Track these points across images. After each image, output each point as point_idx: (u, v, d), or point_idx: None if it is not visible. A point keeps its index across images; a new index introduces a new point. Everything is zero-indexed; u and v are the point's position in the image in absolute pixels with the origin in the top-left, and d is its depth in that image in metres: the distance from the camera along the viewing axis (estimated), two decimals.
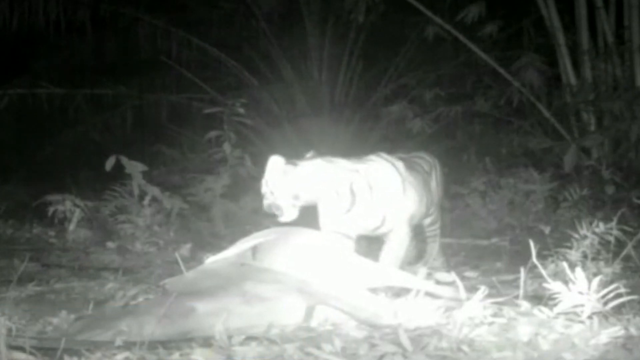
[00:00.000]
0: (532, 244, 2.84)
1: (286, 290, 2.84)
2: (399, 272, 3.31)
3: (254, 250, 3.16)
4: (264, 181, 3.42)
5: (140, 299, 3.16)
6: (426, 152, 4.09)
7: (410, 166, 3.73)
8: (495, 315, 2.67)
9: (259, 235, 3.31)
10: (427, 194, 3.81)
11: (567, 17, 6.10)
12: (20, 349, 2.28)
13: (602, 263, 3.45)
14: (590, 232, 3.48)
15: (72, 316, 2.90)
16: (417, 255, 4.02)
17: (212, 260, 3.22)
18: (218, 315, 2.54)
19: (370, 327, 2.64)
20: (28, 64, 7.48)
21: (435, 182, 3.96)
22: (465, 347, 2.31)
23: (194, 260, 3.95)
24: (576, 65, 6.05)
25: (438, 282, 3.22)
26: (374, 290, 3.09)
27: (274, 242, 3.22)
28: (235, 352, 2.33)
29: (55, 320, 2.87)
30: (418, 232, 3.96)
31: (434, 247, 4.05)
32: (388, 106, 6.67)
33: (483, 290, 2.76)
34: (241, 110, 5.30)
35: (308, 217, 3.47)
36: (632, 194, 5.06)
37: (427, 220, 3.96)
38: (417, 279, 3.19)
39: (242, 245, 3.23)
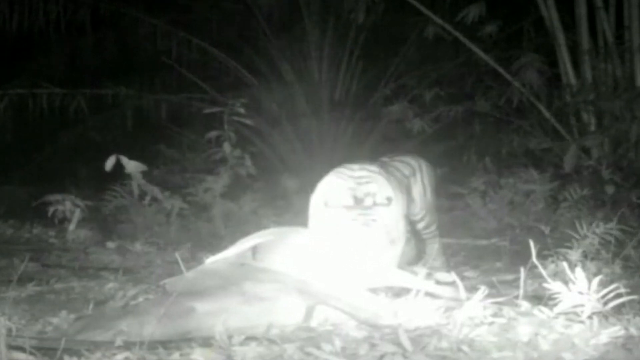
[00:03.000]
0: (532, 244, 2.84)
1: (286, 290, 2.84)
2: (399, 272, 3.31)
3: (254, 250, 3.17)
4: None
5: (140, 299, 3.16)
6: (411, 156, 3.97)
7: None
8: (495, 315, 2.67)
9: (259, 236, 3.31)
10: (407, 199, 3.77)
11: (567, 17, 6.10)
12: (20, 349, 2.28)
13: (602, 263, 3.46)
14: (590, 232, 3.48)
15: (72, 316, 2.90)
16: (416, 256, 4.02)
17: (212, 260, 3.23)
18: (218, 315, 2.54)
19: (370, 327, 2.64)
20: (28, 64, 7.48)
21: (421, 186, 3.85)
22: (465, 347, 2.31)
23: (194, 260, 3.95)
24: (576, 65, 6.05)
25: (438, 282, 3.22)
26: (373, 290, 3.09)
27: (273, 242, 3.22)
28: (235, 352, 2.33)
29: (55, 320, 2.87)
30: (417, 233, 3.95)
31: (433, 248, 4.04)
32: (388, 106, 6.66)
33: (483, 290, 2.76)
34: (241, 110, 5.30)
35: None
36: (632, 194, 5.06)
37: (421, 225, 3.92)
38: (417, 279, 3.19)
39: (242, 246, 3.23)
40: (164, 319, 2.54)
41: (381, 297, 3.03)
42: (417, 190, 3.83)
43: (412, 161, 3.90)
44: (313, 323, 2.69)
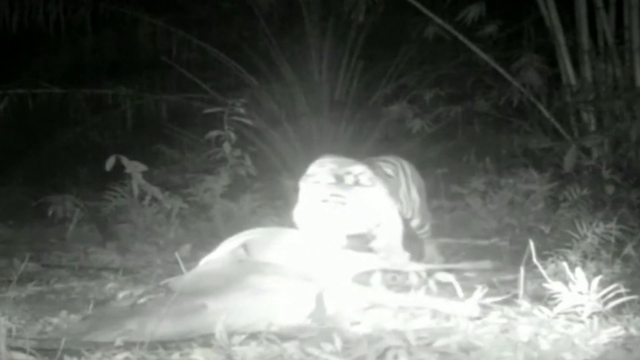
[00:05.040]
0: (532, 244, 2.84)
1: (292, 280, 2.86)
2: (377, 257, 3.34)
3: (246, 248, 3.17)
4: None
5: (145, 298, 3.15)
6: (393, 156, 3.96)
7: None
8: (495, 315, 2.67)
9: (244, 235, 3.31)
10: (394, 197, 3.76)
11: (567, 17, 6.10)
12: (20, 349, 2.28)
13: (602, 263, 3.46)
14: (590, 232, 3.49)
15: (73, 316, 2.91)
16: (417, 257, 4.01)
17: (205, 261, 3.23)
18: (229, 312, 2.55)
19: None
20: (28, 64, 7.47)
21: (405, 186, 3.85)
22: (467, 346, 2.31)
23: (194, 260, 3.93)
24: (576, 65, 6.05)
25: (438, 282, 3.24)
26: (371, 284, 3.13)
27: (264, 240, 3.23)
28: (235, 352, 2.33)
29: (55, 320, 2.87)
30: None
31: (430, 249, 4.04)
32: (388, 106, 6.67)
33: (481, 289, 2.76)
34: (241, 110, 5.30)
35: None
36: (632, 194, 5.07)
37: (413, 224, 3.92)
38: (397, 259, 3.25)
39: (230, 245, 3.23)
40: (174, 317, 2.55)
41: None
42: (402, 190, 3.82)
43: (395, 161, 3.89)
44: (325, 309, 2.72)
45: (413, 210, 3.87)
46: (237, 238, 3.26)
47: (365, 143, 7.26)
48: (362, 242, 3.57)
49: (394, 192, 3.70)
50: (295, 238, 3.27)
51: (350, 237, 3.39)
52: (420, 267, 3.31)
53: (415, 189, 3.89)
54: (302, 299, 2.75)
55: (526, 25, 6.58)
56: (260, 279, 2.86)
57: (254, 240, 3.20)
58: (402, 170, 3.86)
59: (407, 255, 3.47)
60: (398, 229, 3.57)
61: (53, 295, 3.51)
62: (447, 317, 2.69)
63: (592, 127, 5.92)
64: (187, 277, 3.05)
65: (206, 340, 2.42)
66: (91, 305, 3.00)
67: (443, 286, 3.21)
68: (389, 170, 3.78)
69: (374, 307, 2.79)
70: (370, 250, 3.49)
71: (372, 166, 3.67)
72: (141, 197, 4.98)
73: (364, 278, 3.20)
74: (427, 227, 4.00)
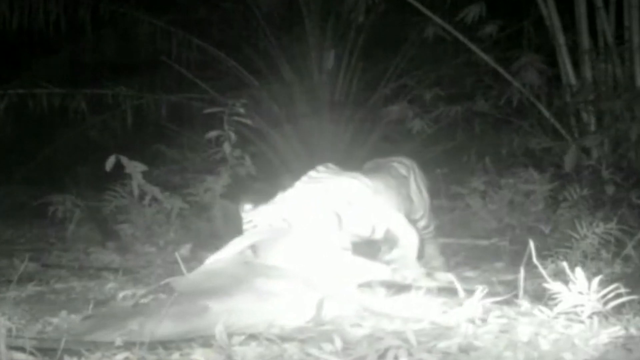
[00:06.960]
0: (532, 244, 2.84)
1: (296, 285, 2.87)
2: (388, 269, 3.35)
3: (253, 249, 3.18)
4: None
5: (149, 298, 3.15)
6: (405, 157, 4.06)
7: (379, 172, 3.75)
8: (495, 315, 2.67)
9: (253, 234, 3.31)
10: (405, 199, 3.80)
11: (567, 17, 6.10)
12: (20, 349, 2.28)
13: (602, 263, 3.46)
14: (590, 232, 3.49)
15: (73, 316, 2.91)
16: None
17: (211, 260, 3.22)
18: (232, 313, 2.55)
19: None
20: (28, 64, 7.47)
21: (415, 186, 3.93)
22: (467, 347, 2.31)
23: (194, 260, 3.95)
24: (576, 65, 6.05)
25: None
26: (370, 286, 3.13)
27: (270, 241, 3.23)
28: (235, 352, 2.33)
29: (55, 320, 2.87)
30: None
31: (432, 248, 4.05)
32: (388, 106, 6.67)
33: (482, 289, 2.76)
34: (241, 110, 5.30)
35: None
36: (632, 194, 5.06)
37: (420, 224, 3.95)
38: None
39: (239, 245, 3.23)
40: (175, 317, 2.55)
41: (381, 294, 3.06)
42: (413, 189, 3.88)
43: (407, 161, 4.00)
44: (324, 315, 2.72)
45: (424, 210, 3.93)
46: (246, 238, 3.25)
47: (365, 143, 7.26)
48: (379, 253, 3.61)
49: (406, 193, 3.74)
50: (302, 240, 3.26)
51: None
52: (431, 284, 3.28)
53: (424, 188, 3.97)
54: (304, 305, 2.75)
55: (526, 25, 6.57)
56: (265, 282, 2.87)
57: (262, 241, 3.20)
58: (412, 171, 3.95)
59: (421, 270, 3.46)
60: (415, 242, 3.59)
61: (53, 295, 3.51)
62: (449, 315, 2.69)
63: (592, 127, 5.91)
64: (192, 276, 3.04)
65: (206, 340, 2.42)
66: (91, 305, 3.00)
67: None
68: (403, 171, 3.89)
69: (374, 314, 2.78)
70: (383, 260, 3.50)
71: (385, 166, 3.78)
72: (141, 197, 4.98)
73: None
74: (431, 228, 4.04)
